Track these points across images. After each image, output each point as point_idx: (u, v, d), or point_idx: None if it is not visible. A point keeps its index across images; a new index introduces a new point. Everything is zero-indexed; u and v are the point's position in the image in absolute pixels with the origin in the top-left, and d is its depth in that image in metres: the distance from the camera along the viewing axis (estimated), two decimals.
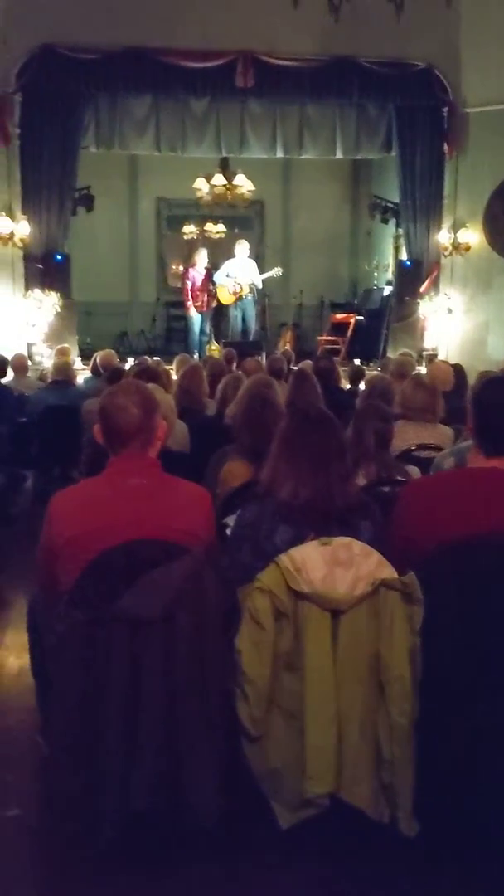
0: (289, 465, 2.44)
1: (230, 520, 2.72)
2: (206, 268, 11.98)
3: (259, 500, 2.48)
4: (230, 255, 12.28)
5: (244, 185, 12.09)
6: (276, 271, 12.34)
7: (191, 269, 12.11)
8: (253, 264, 12.09)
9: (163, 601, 2.15)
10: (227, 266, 11.99)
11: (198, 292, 11.97)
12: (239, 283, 11.85)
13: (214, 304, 12.10)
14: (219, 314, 12.52)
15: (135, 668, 2.15)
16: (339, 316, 13.54)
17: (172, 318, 14.42)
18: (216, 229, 13.15)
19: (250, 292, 11.95)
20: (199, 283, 11.97)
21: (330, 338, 12.98)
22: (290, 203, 15.45)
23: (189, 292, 12.00)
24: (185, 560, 2.22)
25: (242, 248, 12.02)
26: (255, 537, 2.42)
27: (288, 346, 12.03)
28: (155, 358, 8.55)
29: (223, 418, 4.74)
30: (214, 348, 11.51)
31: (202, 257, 12.04)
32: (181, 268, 13.16)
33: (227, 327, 12.26)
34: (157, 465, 2.50)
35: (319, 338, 13.14)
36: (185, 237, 13.42)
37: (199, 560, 2.23)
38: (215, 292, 11.96)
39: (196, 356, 10.67)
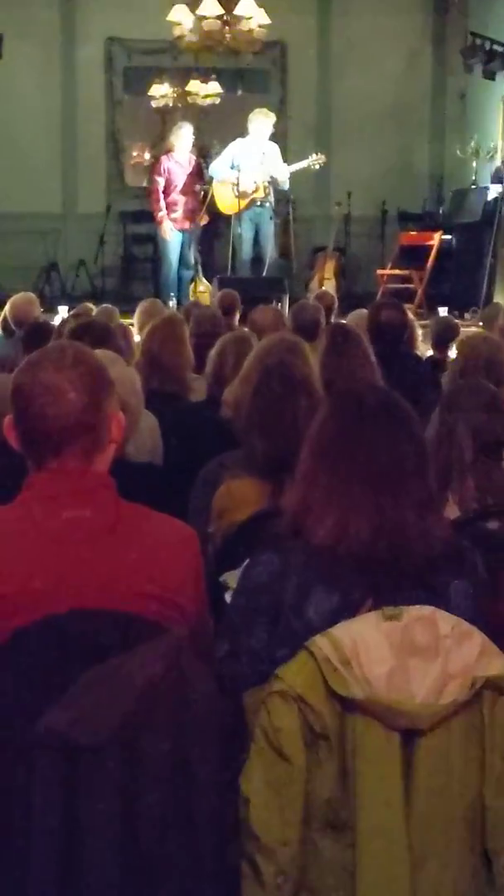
0: (331, 487, 2.49)
1: (231, 577, 2.76)
2: (191, 154, 11.97)
3: (281, 543, 2.52)
4: (234, 131, 12.28)
5: (253, 15, 12.07)
6: (316, 160, 12.32)
7: (165, 158, 12.15)
8: (275, 149, 12.15)
9: (116, 717, 2.15)
10: (232, 151, 12.05)
11: (178, 196, 11.92)
12: (254, 181, 11.78)
13: (205, 217, 12.06)
14: (212, 233, 12.60)
15: (73, 813, 2.18)
16: (412, 234, 13.55)
17: (133, 239, 14.59)
18: (207, 90, 13.13)
19: (267, 195, 11.90)
20: (179, 180, 11.96)
21: (398, 271, 12.99)
22: (330, 47, 15.52)
23: (161, 196, 11.98)
24: (156, 645, 2.23)
25: (260, 122, 12.06)
26: (274, 606, 2.47)
27: (327, 286, 12.07)
28: (104, 305, 8.54)
29: (219, 407, 4.75)
30: (204, 290, 11.56)
31: (184, 137, 12.07)
32: (148, 155, 13.18)
33: (227, 254, 12.26)
34: (110, 486, 2.54)
35: (380, 271, 13.16)
36: (156, 104, 13.47)
37: (179, 645, 2.24)
38: (208, 195, 11.92)
39: (173, 303, 10.69)
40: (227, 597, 2.73)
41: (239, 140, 12.14)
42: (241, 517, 3.18)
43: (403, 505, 2.45)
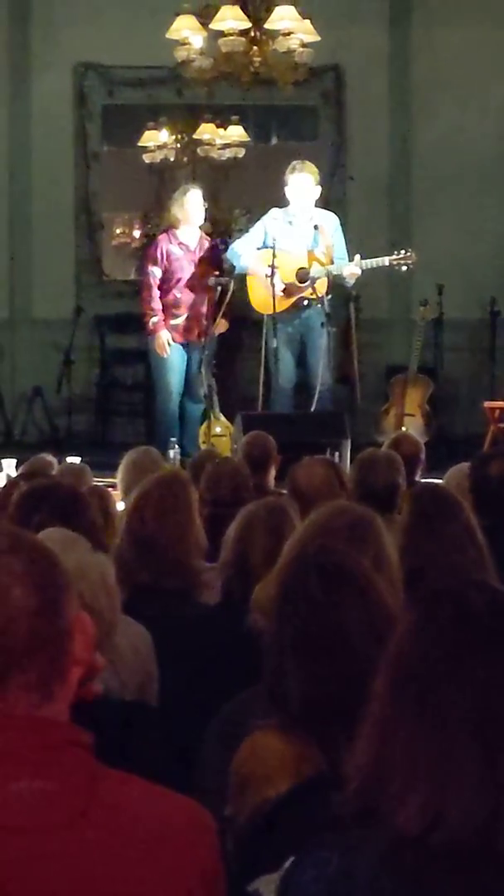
0: (417, 741, 2.05)
1: (266, 885, 2.37)
2: (202, 232, 10.60)
3: (341, 833, 2.15)
4: (267, 196, 10.83)
5: (295, 29, 10.67)
6: (403, 259, 10.28)
7: (163, 238, 10.67)
8: (332, 221, 10.34)
9: None
10: (267, 226, 10.33)
11: (181, 293, 10.56)
12: (303, 269, 9.92)
13: (222, 324, 10.57)
14: (233, 346, 11.24)
15: None
16: None
17: (115, 357, 13.16)
18: (226, 138, 12.09)
19: (321, 293, 9.91)
20: (184, 270, 10.52)
21: None
22: (409, 73, 13.71)
23: (157, 294, 10.55)
24: None
25: (302, 179, 10.20)
26: None
27: (409, 426, 11.08)
28: (72, 460, 7.80)
29: (243, 612, 4.30)
30: (222, 432, 10.38)
31: (192, 205, 10.54)
32: (138, 233, 12.44)
33: (257, 378, 10.66)
34: (82, 742, 2.13)
35: (489, 404, 11.72)
36: (149, 158, 12.36)
37: None
38: (228, 292, 10.26)
39: (175, 454, 9.46)
40: None
41: (271, 213, 10.27)
42: (276, 791, 2.63)
43: None
